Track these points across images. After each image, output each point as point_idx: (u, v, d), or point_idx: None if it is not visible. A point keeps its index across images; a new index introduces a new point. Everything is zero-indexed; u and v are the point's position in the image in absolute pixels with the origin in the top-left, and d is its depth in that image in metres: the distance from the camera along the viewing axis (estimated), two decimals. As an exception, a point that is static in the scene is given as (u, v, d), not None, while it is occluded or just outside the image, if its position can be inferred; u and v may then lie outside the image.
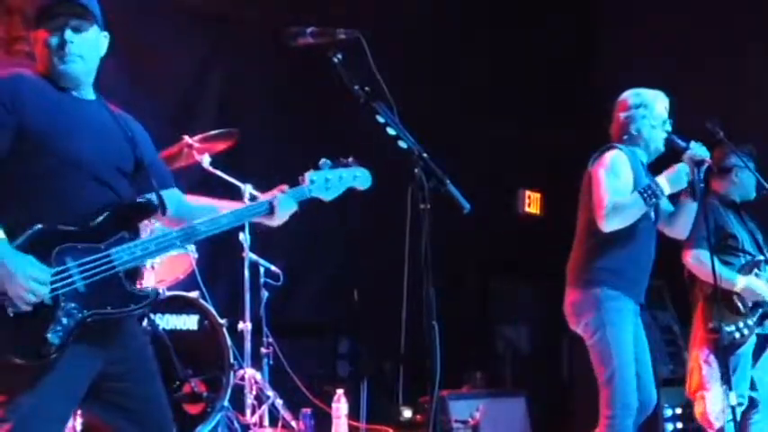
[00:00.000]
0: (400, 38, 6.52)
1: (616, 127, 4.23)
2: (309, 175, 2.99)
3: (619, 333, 3.95)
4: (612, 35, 8.03)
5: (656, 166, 4.19)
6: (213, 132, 5.02)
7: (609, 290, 3.98)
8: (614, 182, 3.96)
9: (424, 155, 2.72)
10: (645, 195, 3.88)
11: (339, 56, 2.78)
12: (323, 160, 3.02)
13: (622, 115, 4.20)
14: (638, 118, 4.15)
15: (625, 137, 4.17)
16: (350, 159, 3.08)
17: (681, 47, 7.21)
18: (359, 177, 3.07)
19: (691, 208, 4.11)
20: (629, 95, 4.23)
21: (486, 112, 7.45)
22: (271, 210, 2.90)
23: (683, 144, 4.07)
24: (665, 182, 3.92)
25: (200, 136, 4.97)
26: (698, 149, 4.02)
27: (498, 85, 7.48)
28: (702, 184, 4.02)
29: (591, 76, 7.98)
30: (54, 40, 2.71)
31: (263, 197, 2.97)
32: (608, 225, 3.92)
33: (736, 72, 6.82)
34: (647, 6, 7.66)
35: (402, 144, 2.74)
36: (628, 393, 3.91)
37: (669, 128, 4.15)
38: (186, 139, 4.94)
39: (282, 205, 2.91)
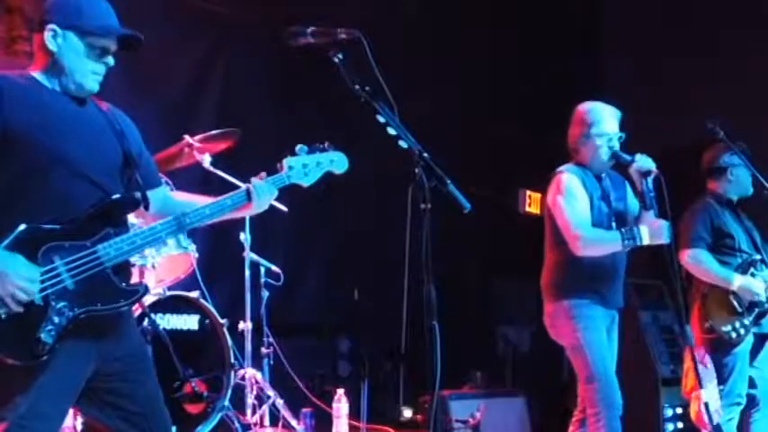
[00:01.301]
0: (400, 38, 6.52)
1: (569, 140, 4.37)
2: (287, 161, 3.01)
3: (591, 336, 4.12)
4: (613, 35, 8.04)
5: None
6: (214, 132, 5.01)
7: (576, 299, 4.16)
8: (574, 206, 4.15)
9: (425, 154, 2.72)
10: (624, 237, 4.08)
11: (340, 55, 2.79)
12: (299, 146, 3.04)
13: (572, 129, 4.35)
14: (584, 134, 4.28)
15: (574, 151, 4.33)
16: (326, 144, 3.09)
17: (682, 47, 7.22)
18: (336, 161, 3.08)
19: (648, 217, 4.18)
20: (582, 110, 4.35)
21: (486, 112, 7.45)
22: (248, 197, 2.91)
23: (627, 158, 4.18)
24: (646, 232, 4.08)
25: (200, 136, 4.96)
26: (643, 162, 4.14)
27: (498, 85, 7.48)
28: (652, 194, 4.14)
29: (591, 75, 7.99)
30: (102, 65, 2.73)
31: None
32: (583, 252, 4.12)
33: (738, 72, 6.82)
34: (648, 6, 7.67)
35: (403, 144, 2.74)
36: (610, 389, 4.04)
37: (615, 144, 4.24)
38: (187, 138, 4.93)
39: (260, 192, 2.92)
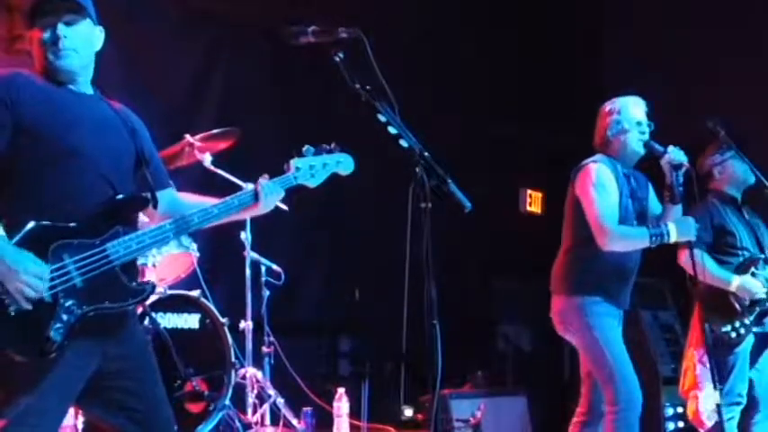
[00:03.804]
0: (400, 38, 6.52)
1: (597, 136, 4.32)
2: (294, 162, 3.02)
3: (606, 333, 4.06)
4: (613, 34, 8.04)
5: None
6: (214, 131, 5.03)
7: (589, 296, 4.08)
8: (605, 199, 4.06)
9: (426, 154, 2.72)
10: (652, 236, 4.01)
11: (341, 55, 2.79)
12: (306, 147, 3.06)
13: (600, 123, 4.31)
14: (612, 124, 4.24)
15: (603, 144, 4.27)
16: (333, 145, 3.11)
17: (682, 46, 7.22)
18: (342, 163, 3.11)
19: (673, 211, 4.17)
20: (606, 104, 4.33)
21: (486, 111, 7.45)
22: (255, 197, 2.92)
23: (660, 149, 4.15)
24: (674, 229, 4.02)
25: (201, 135, 4.97)
26: (675, 154, 4.10)
27: (498, 85, 7.49)
28: (681, 188, 4.10)
29: (592, 75, 7.98)
30: (47, 36, 2.72)
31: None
32: (609, 247, 4.03)
33: (738, 72, 6.82)
34: (648, 6, 7.67)
35: (403, 143, 2.74)
36: (630, 387, 3.98)
37: (645, 130, 4.21)
38: (187, 138, 4.95)
39: (267, 192, 2.93)
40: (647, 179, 4.35)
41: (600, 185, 4.08)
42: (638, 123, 4.21)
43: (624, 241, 4.05)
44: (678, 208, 4.14)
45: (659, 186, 4.26)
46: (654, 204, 4.31)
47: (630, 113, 4.22)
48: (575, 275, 4.15)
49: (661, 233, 4.00)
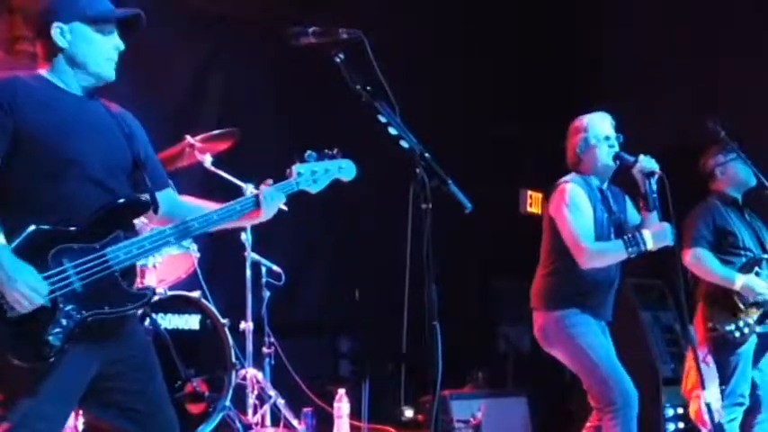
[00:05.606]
0: (400, 38, 6.53)
1: (569, 155, 4.37)
2: (296, 167, 3.01)
3: (589, 338, 4.10)
4: (613, 34, 8.04)
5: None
6: (215, 132, 5.03)
7: (567, 309, 4.13)
8: (578, 218, 4.12)
9: (426, 154, 2.72)
10: (627, 244, 4.05)
11: (341, 56, 2.79)
12: (308, 152, 3.04)
13: (570, 143, 4.36)
14: (580, 142, 4.29)
15: (575, 163, 4.32)
16: (335, 151, 3.09)
17: (682, 46, 7.22)
18: (344, 169, 3.09)
19: (651, 219, 4.18)
20: (575, 121, 4.37)
21: (486, 111, 7.46)
22: (257, 203, 2.91)
23: (630, 159, 4.17)
24: (649, 237, 4.04)
25: (201, 136, 4.97)
26: (646, 162, 4.12)
27: (498, 85, 7.49)
28: (655, 195, 4.12)
29: (592, 75, 7.99)
30: (113, 51, 2.76)
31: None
32: (588, 264, 4.09)
33: (738, 72, 6.83)
34: (648, 6, 7.68)
35: (404, 144, 2.74)
36: (625, 384, 4.01)
37: (614, 143, 4.24)
38: (188, 138, 4.95)
39: (268, 198, 2.92)
40: (623, 192, 4.39)
41: (573, 205, 4.13)
42: (607, 138, 4.24)
43: (602, 257, 4.10)
44: (654, 215, 4.16)
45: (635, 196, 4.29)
46: (632, 215, 4.34)
47: (597, 129, 4.26)
48: (552, 291, 4.20)
49: (637, 243, 4.04)
